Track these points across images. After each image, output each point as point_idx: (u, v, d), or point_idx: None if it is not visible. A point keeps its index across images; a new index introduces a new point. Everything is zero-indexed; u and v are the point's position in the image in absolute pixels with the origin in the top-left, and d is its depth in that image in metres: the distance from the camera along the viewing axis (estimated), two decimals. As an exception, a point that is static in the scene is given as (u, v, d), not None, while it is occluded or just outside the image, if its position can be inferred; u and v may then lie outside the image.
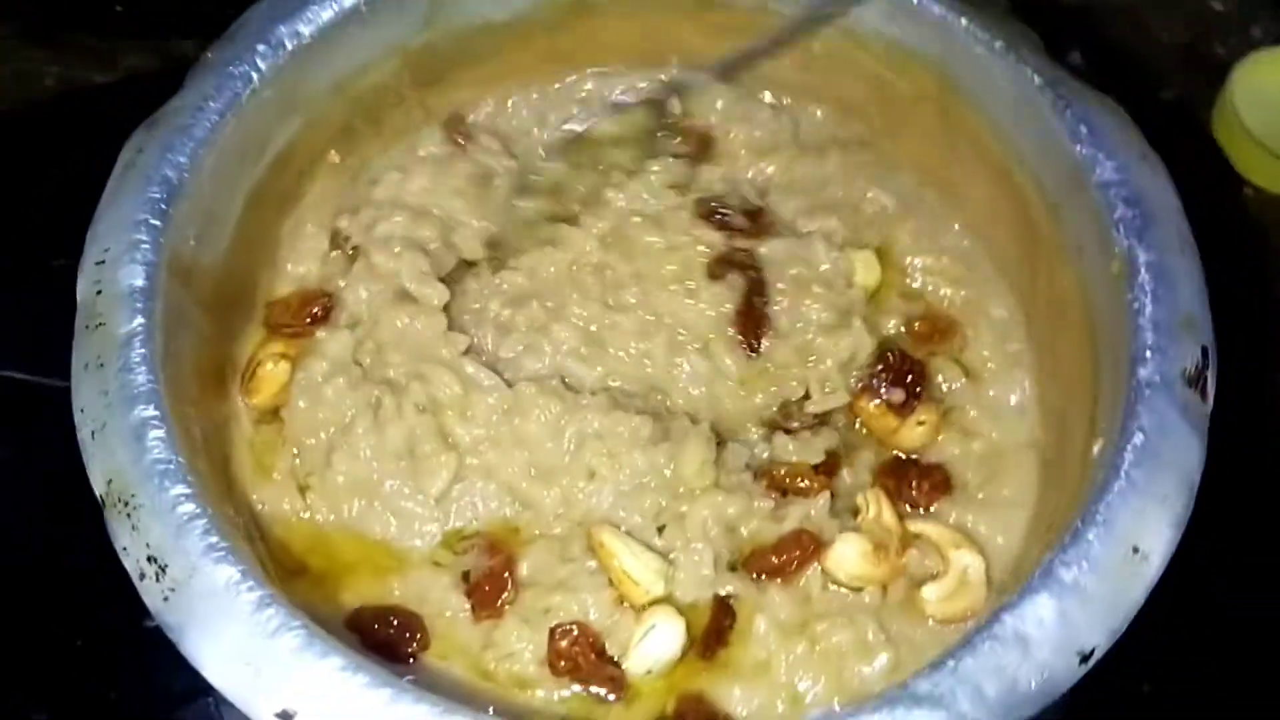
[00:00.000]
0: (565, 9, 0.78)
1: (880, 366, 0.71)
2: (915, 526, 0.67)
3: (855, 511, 0.68)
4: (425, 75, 0.78)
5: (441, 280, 0.72)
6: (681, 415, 0.70)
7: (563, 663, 0.63)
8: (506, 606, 0.65)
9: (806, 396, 0.71)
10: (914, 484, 0.69)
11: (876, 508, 0.67)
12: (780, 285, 0.73)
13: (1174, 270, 0.62)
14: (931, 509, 0.69)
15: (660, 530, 0.67)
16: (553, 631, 0.64)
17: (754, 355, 0.72)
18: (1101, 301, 0.65)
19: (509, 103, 0.81)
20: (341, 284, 0.73)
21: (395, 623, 0.65)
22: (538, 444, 0.68)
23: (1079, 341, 0.67)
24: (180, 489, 0.57)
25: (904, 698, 0.52)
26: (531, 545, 0.67)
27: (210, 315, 0.68)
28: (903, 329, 0.74)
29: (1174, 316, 0.61)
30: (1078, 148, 0.66)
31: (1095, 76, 0.70)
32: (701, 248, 0.74)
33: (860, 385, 0.71)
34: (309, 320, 0.72)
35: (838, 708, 0.58)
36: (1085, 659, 0.54)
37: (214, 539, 0.55)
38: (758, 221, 0.76)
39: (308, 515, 0.68)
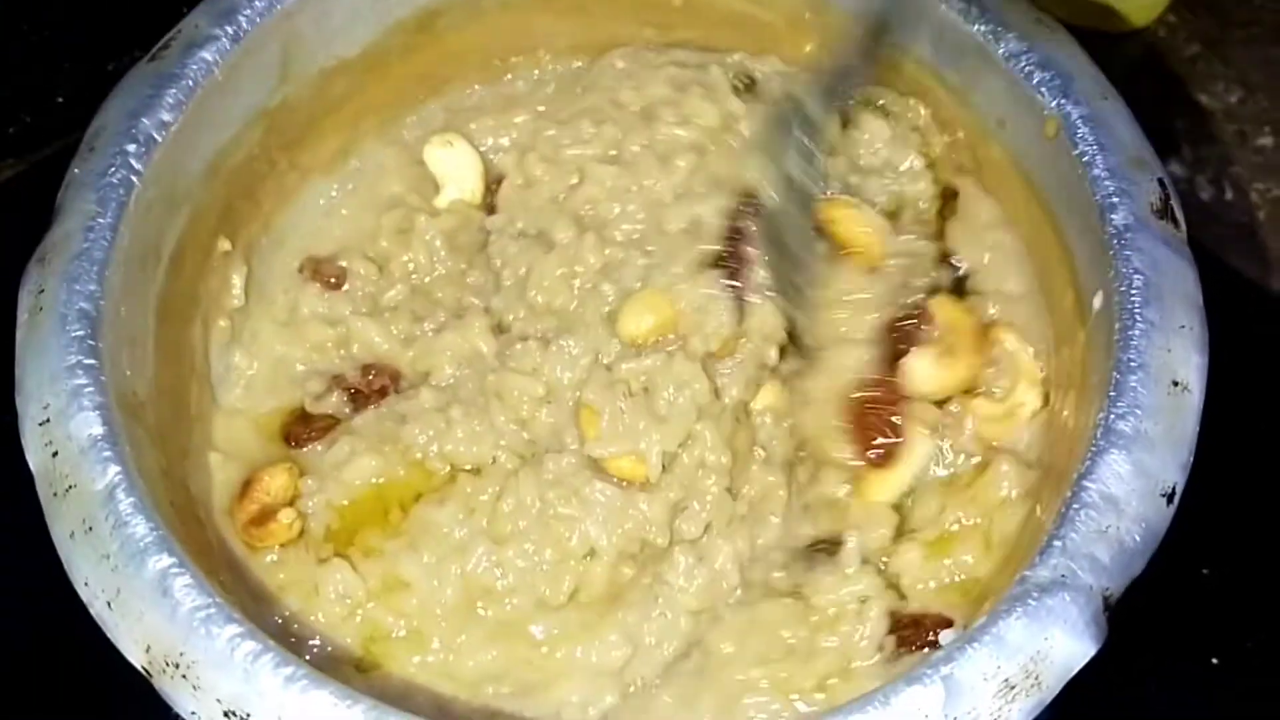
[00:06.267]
0: (412, 29, 0.75)
1: None
2: (1014, 344, 0.67)
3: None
4: (290, 133, 0.73)
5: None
6: None
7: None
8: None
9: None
10: None
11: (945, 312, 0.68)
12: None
13: (1108, 117, 0.64)
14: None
15: None
16: None
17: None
18: (1038, 165, 0.67)
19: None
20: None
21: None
22: None
23: (1027, 209, 0.68)
24: (232, 629, 0.51)
25: (1030, 589, 0.53)
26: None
27: (159, 448, 0.62)
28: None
29: (1123, 159, 0.63)
30: (975, 28, 0.67)
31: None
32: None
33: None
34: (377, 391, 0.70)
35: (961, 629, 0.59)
36: (1169, 498, 0.56)
37: (289, 669, 0.51)
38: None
39: (365, 607, 0.64)
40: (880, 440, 0.66)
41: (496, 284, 0.72)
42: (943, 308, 0.68)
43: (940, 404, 0.67)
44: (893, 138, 0.72)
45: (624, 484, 0.64)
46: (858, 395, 0.67)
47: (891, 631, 0.61)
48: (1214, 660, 0.80)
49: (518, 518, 0.64)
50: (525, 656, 0.63)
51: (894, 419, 0.66)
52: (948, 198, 0.73)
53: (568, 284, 0.70)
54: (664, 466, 0.64)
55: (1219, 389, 0.61)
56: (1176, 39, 1.05)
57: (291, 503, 0.66)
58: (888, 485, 0.66)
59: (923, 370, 0.67)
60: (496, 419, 0.67)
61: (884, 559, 0.64)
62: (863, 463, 0.66)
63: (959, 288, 0.71)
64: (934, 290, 0.70)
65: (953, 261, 0.72)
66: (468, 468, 0.67)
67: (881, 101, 0.75)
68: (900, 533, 0.65)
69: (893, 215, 0.72)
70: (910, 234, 0.71)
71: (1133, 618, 0.63)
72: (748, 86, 0.77)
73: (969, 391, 0.67)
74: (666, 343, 0.66)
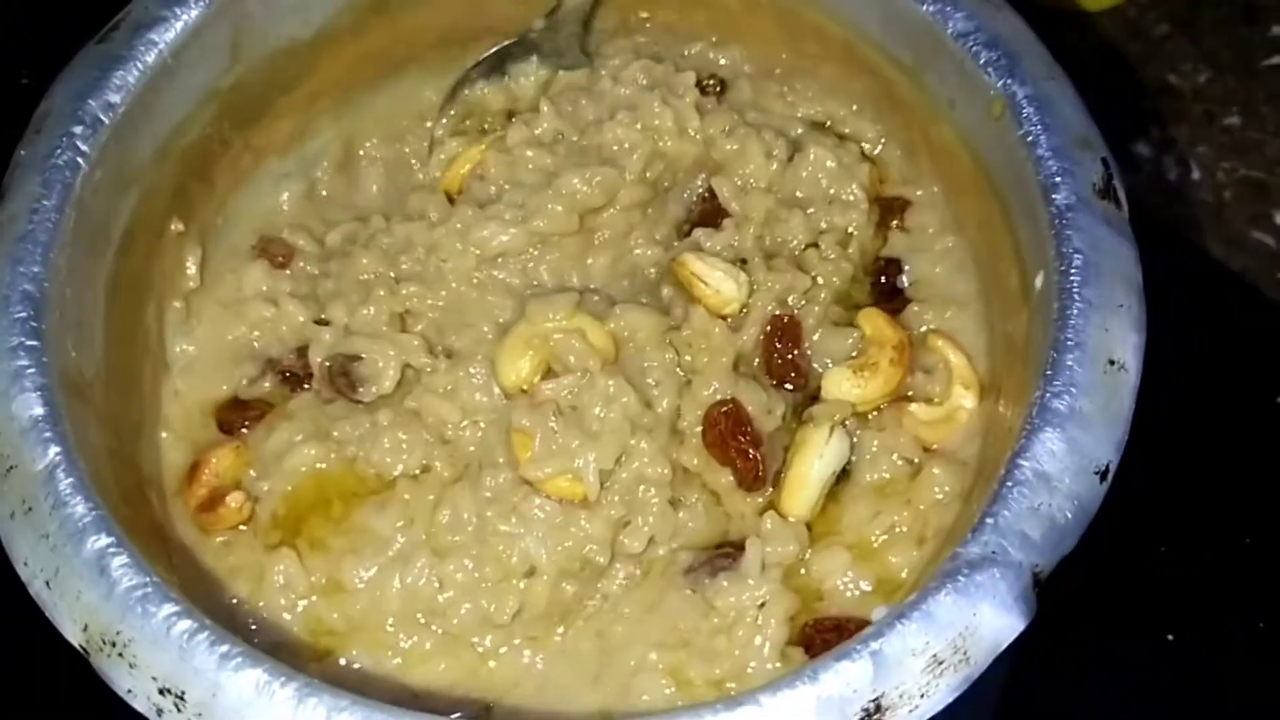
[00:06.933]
0: (365, 9, 0.75)
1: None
2: (948, 351, 0.68)
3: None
4: (244, 114, 0.73)
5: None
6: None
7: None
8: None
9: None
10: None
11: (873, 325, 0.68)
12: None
13: (1053, 97, 0.64)
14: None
15: None
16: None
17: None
18: (987, 146, 0.67)
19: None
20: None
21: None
22: None
23: (976, 191, 0.68)
24: (168, 608, 0.52)
25: (960, 566, 0.53)
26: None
27: (109, 429, 0.63)
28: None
29: (1067, 139, 0.63)
30: (924, 7, 0.67)
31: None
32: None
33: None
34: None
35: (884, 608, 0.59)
36: (1103, 476, 0.56)
37: (225, 648, 0.51)
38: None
39: (309, 600, 0.64)
40: (741, 462, 0.65)
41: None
42: (869, 320, 0.68)
43: (865, 414, 0.67)
44: (837, 168, 0.72)
45: (564, 502, 0.63)
46: (709, 421, 0.65)
47: (813, 636, 0.61)
48: (1169, 637, 0.80)
49: (456, 531, 0.63)
50: (472, 668, 0.63)
51: (743, 439, 0.65)
52: (898, 209, 0.74)
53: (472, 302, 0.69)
54: (602, 484, 0.63)
55: (1183, 368, 0.61)
56: (1146, 19, 1.05)
57: (239, 485, 0.66)
58: (790, 494, 0.65)
59: (842, 383, 0.66)
60: (421, 435, 0.66)
61: (803, 565, 0.63)
62: (741, 485, 0.65)
63: (901, 297, 0.72)
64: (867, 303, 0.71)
65: (900, 275, 0.72)
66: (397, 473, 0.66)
67: (829, 123, 0.76)
68: (828, 537, 0.65)
69: (811, 245, 0.71)
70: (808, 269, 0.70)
71: (1088, 595, 0.64)
72: (719, 91, 0.77)
73: (907, 398, 0.67)
74: (554, 376, 0.65)
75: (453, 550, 0.63)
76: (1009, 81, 0.64)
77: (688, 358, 0.67)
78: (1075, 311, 0.58)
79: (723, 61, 0.79)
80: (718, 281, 0.67)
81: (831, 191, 0.72)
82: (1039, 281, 0.61)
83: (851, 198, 0.72)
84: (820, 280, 0.69)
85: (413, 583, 0.63)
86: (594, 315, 0.66)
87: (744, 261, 0.69)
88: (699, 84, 0.75)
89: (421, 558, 0.63)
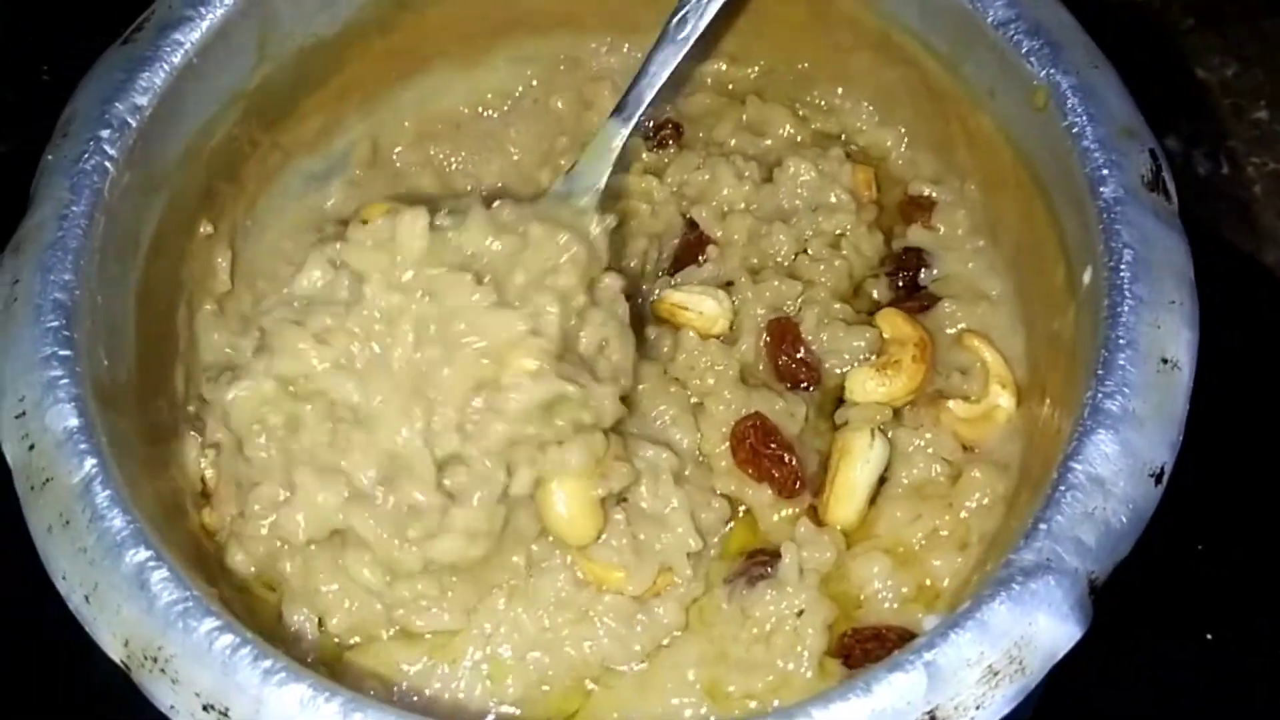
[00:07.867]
0: (391, 5, 0.73)
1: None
2: (983, 350, 0.67)
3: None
4: (271, 113, 0.72)
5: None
6: None
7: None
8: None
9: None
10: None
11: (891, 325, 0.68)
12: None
13: (1097, 86, 0.63)
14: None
15: None
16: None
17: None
18: (1028, 137, 0.66)
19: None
20: None
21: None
22: None
23: (1017, 184, 0.67)
24: (210, 623, 0.51)
25: (1014, 574, 0.52)
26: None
27: (142, 437, 0.62)
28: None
29: (1113, 130, 0.62)
30: (963, -3, 0.66)
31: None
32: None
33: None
34: None
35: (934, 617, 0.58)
36: (1158, 478, 0.55)
37: (267, 663, 0.50)
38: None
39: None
40: (778, 471, 0.64)
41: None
42: (887, 320, 0.68)
43: (899, 411, 0.67)
44: (816, 177, 0.72)
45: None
46: (736, 439, 0.65)
47: (852, 646, 0.60)
48: (1208, 636, 0.79)
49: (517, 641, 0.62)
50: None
51: (775, 447, 0.64)
52: (925, 207, 0.73)
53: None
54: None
55: (1214, 363, 0.60)
56: (1171, 12, 1.03)
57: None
58: (838, 502, 0.64)
59: (866, 383, 0.66)
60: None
61: (842, 572, 0.63)
62: (781, 493, 0.65)
63: (926, 294, 0.71)
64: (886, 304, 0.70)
65: (922, 270, 0.71)
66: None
67: (844, 134, 0.76)
68: (866, 542, 0.64)
69: (801, 253, 0.71)
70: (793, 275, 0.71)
71: (1127, 593, 0.63)
72: (675, 135, 0.76)
73: (942, 395, 0.67)
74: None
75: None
76: (1052, 71, 0.63)
77: (695, 381, 0.67)
78: (1126, 309, 0.57)
79: (752, 72, 0.78)
80: (697, 304, 0.68)
81: (814, 200, 0.72)
82: (1087, 277, 0.60)
83: (835, 200, 0.72)
84: (813, 282, 0.70)
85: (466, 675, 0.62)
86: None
87: (730, 284, 0.70)
88: (656, 134, 0.76)
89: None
